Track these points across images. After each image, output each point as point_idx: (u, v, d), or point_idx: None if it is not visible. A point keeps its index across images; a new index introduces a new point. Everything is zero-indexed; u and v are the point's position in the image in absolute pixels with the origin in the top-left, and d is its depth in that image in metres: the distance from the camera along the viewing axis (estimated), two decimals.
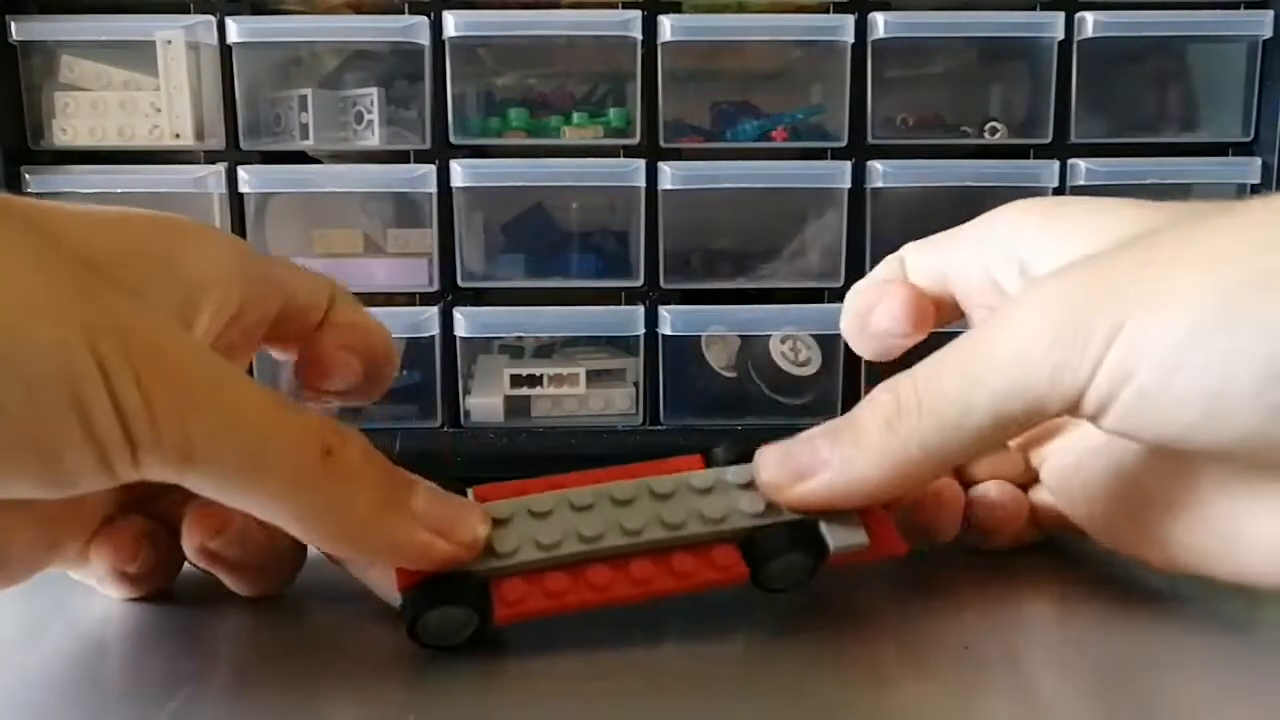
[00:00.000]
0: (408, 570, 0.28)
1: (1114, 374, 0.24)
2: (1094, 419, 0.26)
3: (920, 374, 0.28)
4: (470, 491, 0.30)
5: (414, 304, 0.52)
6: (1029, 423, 0.26)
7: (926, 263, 0.34)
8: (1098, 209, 0.30)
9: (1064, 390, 0.25)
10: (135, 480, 0.23)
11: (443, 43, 0.50)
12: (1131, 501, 0.29)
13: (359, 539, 0.26)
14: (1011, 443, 0.34)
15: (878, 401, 0.28)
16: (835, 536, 0.29)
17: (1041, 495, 0.34)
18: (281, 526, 0.25)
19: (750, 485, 0.30)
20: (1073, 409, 0.26)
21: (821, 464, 0.28)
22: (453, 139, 0.51)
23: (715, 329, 0.53)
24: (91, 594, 0.32)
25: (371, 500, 0.26)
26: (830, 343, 0.53)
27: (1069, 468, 0.32)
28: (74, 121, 0.51)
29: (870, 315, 0.34)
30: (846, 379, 0.53)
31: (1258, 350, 0.23)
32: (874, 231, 0.52)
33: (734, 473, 0.30)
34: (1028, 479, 0.34)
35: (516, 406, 0.53)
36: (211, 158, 0.51)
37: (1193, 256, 0.24)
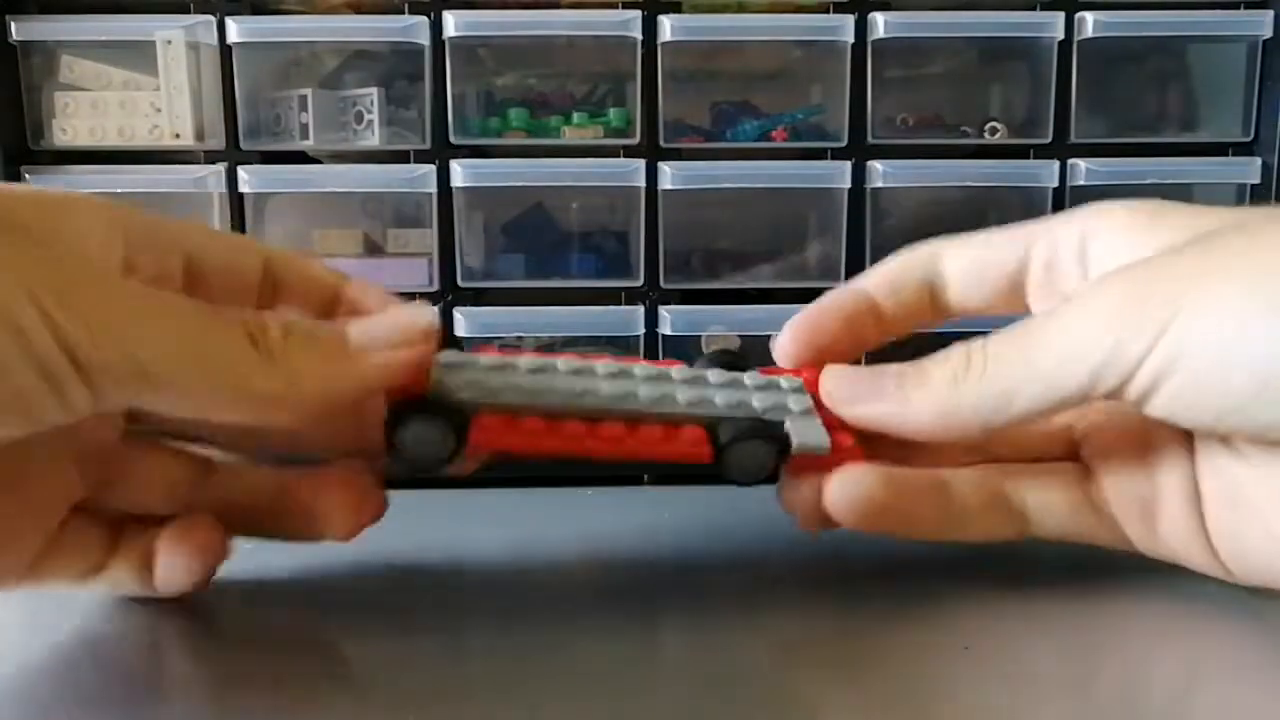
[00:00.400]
0: (396, 391, 0.29)
1: (1162, 360, 0.26)
2: (1139, 403, 0.27)
3: (992, 342, 0.30)
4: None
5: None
6: (1080, 399, 0.28)
7: (972, 261, 0.34)
8: (1164, 212, 0.31)
9: (1116, 370, 0.27)
10: (95, 411, 0.24)
11: (443, 43, 0.50)
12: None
13: (321, 400, 0.27)
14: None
15: (951, 356, 0.30)
16: (800, 436, 0.31)
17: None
18: (247, 424, 0.27)
19: (727, 385, 0.32)
20: (1122, 390, 0.27)
21: (881, 394, 0.31)
22: (453, 139, 0.51)
23: (715, 329, 0.53)
24: (92, 594, 0.32)
25: (316, 361, 0.27)
26: None
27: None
28: (74, 121, 0.51)
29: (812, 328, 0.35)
30: None
31: None
32: (874, 231, 0.52)
33: (714, 374, 0.32)
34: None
35: None
36: (211, 158, 0.51)
37: (1247, 261, 0.26)
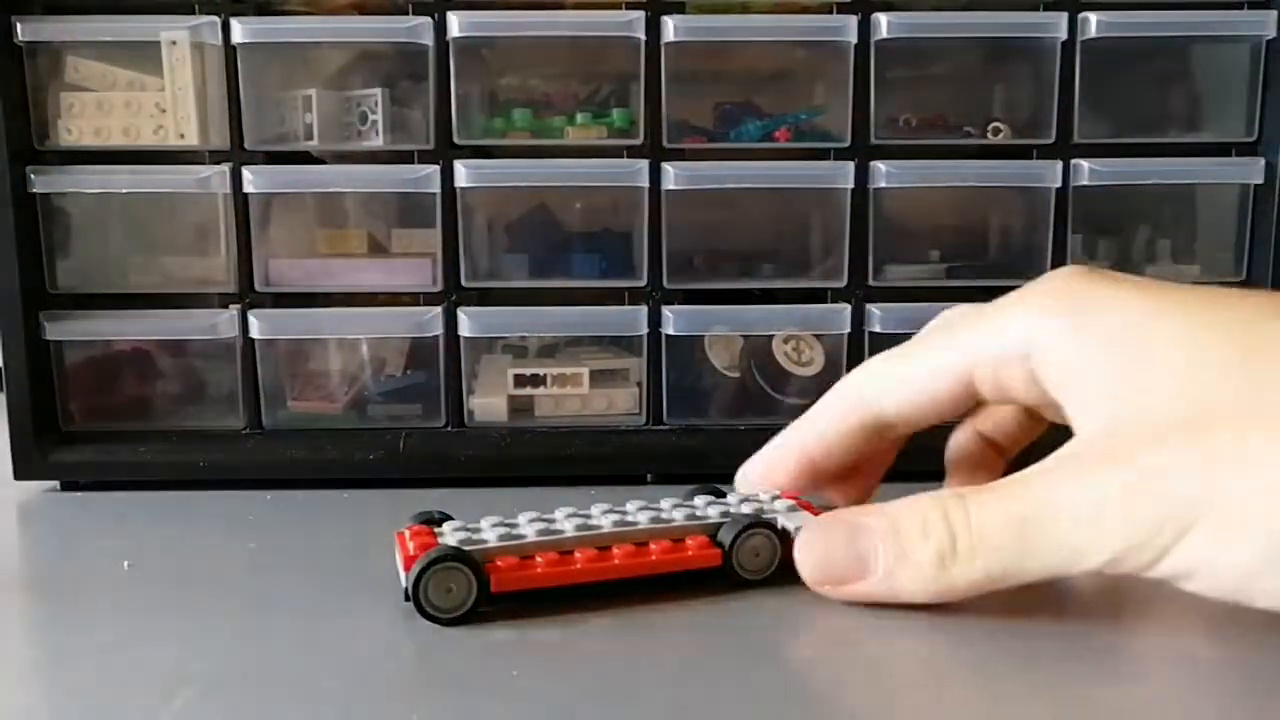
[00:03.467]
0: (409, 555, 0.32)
1: (1177, 568, 0.26)
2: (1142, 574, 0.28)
3: (975, 515, 0.29)
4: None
5: (418, 304, 0.52)
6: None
7: (912, 398, 0.34)
8: (1093, 307, 0.30)
9: (1125, 566, 0.27)
10: None
11: (446, 43, 0.50)
12: None
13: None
14: None
15: (931, 529, 0.29)
16: (794, 523, 0.34)
17: None
18: None
19: (714, 503, 0.36)
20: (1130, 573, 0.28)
21: (864, 574, 0.31)
22: (457, 139, 0.51)
23: (718, 329, 0.53)
24: (95, 590, 0.33)
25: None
26: (833, 343, 0.53)
27: None
28: (79, 122, 0.51)
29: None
30: None
31: None
32: (877, 232, 0.52)
33: (700, 499, 0.36)
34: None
35: (520, 406, 0.53)
36: (216, 158, 0.51)
37: (1261, 461, 0.25)
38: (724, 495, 0.37)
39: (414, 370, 0.54)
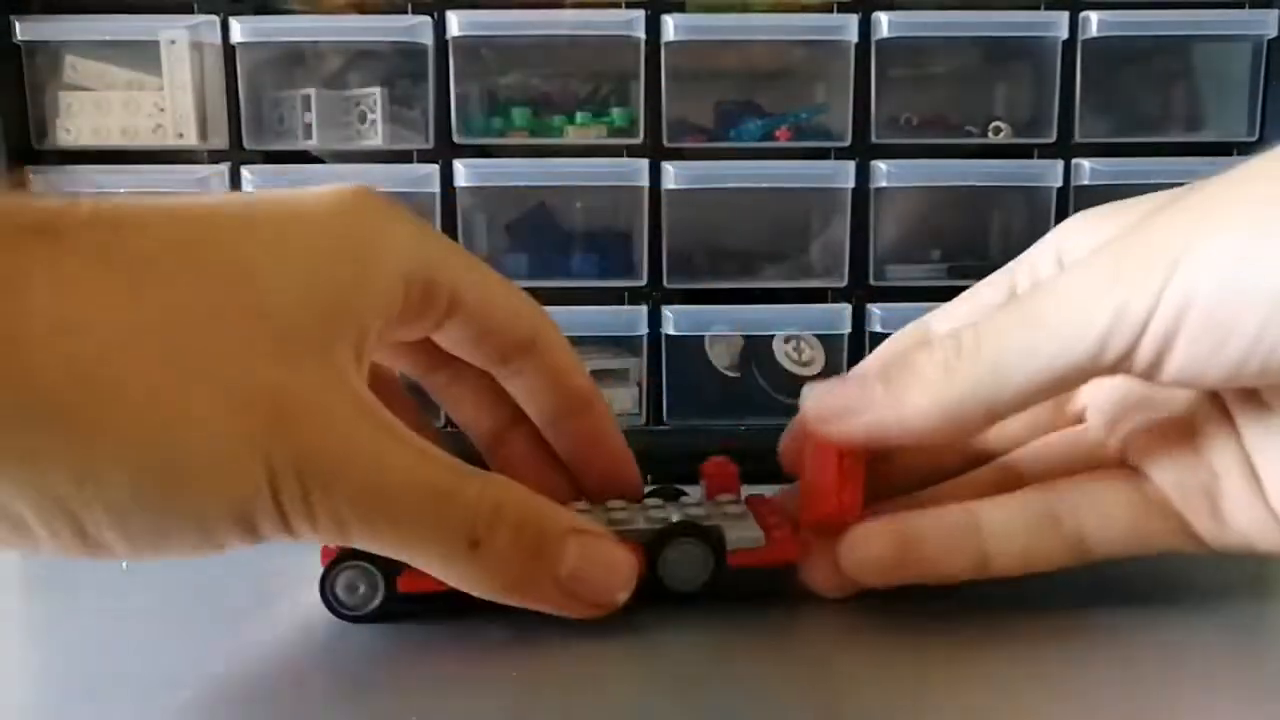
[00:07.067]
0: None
1: (1175, 298, 0.24)
2: (1152, 370, 0.25)
3: (983, 323, 0.27)
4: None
5: None
6: (1088, 372, 0.26)
7: (957, 316, 0.33)
8: (1140, 202, 0.30)
9: (1123, 332, 0.25)
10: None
11: (446, 42, 0.50)
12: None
13: (500, 598, 0.28)
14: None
15: (937, 344, 0.28)
16: (732, 532, 0.31)
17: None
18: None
19: (659, 507, 0.32)
20: (1132, 354, 0.25)
21: (871, 402, 0.28)
22: (456, 139, 0.51)
23: (719, 329, 0.53)
24: (94, 592, 0.33)
25: (514, 578, 0.27)
26: (833, 342, 0.53)
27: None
28: (78, 121, 0.51)
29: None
30: None
31: None
32: (878, 231, 0.52)
33: (651, 501, 0.33)
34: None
35: None
36: (215, 157, 0.51)
37: (1241, 200, 0.25)
38: (679, 496, 0.34)
39: None
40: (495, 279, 0.31)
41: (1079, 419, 0.33)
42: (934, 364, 0.27)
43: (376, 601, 0.30)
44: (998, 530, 0.29)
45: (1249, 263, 0.24)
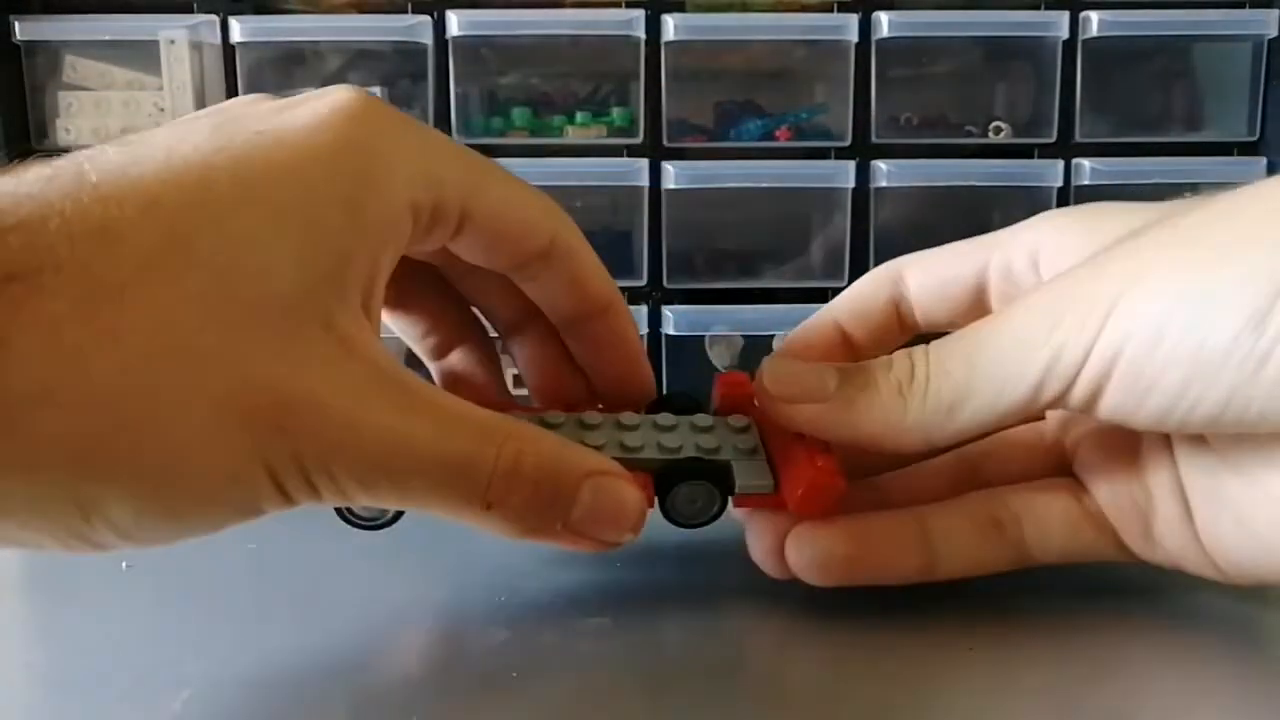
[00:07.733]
0: None
1: (1106, 351, 0.26)
2: (1087, 408, 0.27)
3: (934, 352, 0.29)
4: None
5: None
6: (1026, 411, 0.27)
7: (933, 276, 0.34)
8: (1108, 213, 0.31)
9: (1059, 375, 0.26)
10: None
11: (446, 42, 0.50)
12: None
13: (516, 538, 0.27)
14: None
15: (898, 365, 0.29)
16: (743, 477, 0.30)
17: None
18: None
19: (671, 429, 0.32)
20: (1065, 397, 0.26)
21: (822, 393, 0.29)
22: (456, 139, 0.51)
23: (719, 329, 0.53)
24: (95, 590, 0.33)
25: (525, 529, 0.27)
26: None
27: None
28: (77, 121, 0.51)
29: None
30: None
31: (1235, 298, 0.24)
32: (878, 231, 0.52)
33: (663, 417, 0.32)
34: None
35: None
36: None
37: (1169, 254, 0.26)
38: (695, 410, 0.33)
39: (412, 370, 0.54)
40: (508, 189, 0.31)
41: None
42: (888, 386, 0.29)
43: (390, 512, 0.30)
44: (941, 531, 0.30)
45: (1173, 325, 0.25)
